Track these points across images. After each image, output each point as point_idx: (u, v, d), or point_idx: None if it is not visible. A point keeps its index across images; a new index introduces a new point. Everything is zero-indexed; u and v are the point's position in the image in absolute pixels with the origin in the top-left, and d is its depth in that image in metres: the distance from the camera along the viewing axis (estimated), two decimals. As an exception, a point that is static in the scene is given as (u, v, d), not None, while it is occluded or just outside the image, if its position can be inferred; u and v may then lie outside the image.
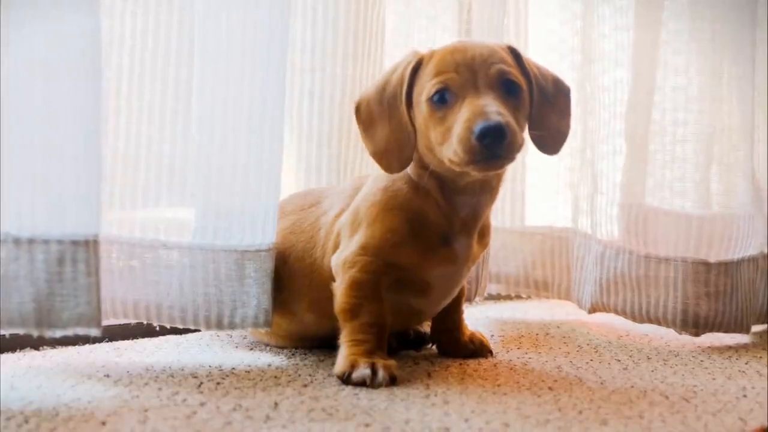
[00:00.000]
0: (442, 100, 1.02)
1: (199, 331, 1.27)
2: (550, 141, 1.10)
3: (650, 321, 1.38)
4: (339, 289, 1.08)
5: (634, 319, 1.40)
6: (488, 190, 1.09)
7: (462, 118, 0.98)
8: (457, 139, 0.98)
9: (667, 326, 1.37)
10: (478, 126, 0.96)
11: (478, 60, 1.02)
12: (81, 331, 0.96)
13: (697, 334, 1.36)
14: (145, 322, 1.13)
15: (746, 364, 1.21)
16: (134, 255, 1.11)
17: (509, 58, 1.06)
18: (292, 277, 1.15)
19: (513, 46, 1.09)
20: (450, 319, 1.21)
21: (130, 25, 1.12)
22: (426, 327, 1.27)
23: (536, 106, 1.08)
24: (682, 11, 1.41)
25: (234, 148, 1.11)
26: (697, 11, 1.41)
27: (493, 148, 0.96)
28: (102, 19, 1.09)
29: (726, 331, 1.37)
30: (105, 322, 1.22)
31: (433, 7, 1.49)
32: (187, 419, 0.87)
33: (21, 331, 0.95)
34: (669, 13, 1.42)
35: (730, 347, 1.34)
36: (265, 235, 1.12)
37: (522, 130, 1.03)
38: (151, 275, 1.11)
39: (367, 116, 1.09)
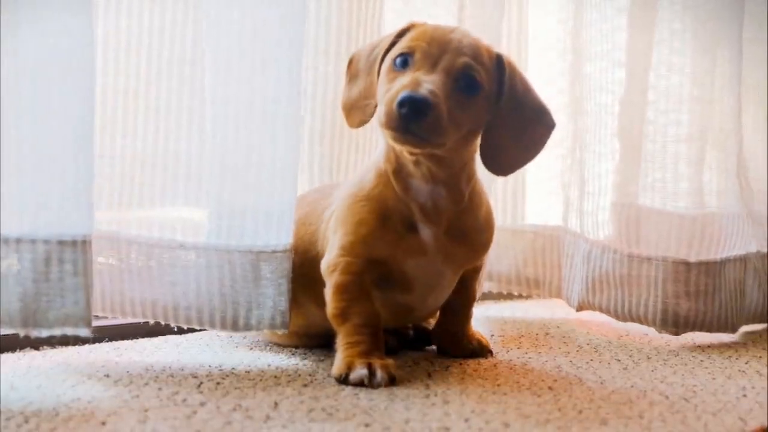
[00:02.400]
0: (404, 63, 1.03)
1: (200, 330, 1.27)
2: (504, 162, 1.09)
3: (632, 320, 1.39)
4: (327, 294, 1.08)
5: (617, 317, 1.40)
6: (441, 182, 1.07)
7: (398, 84, 1.00)
8: (385, 100, 0.99)
9: (648, 325, 1.38)
10: (402, 93, 0.97)
11: (452, 44, 1.03)
12: (69, 331, 0.96)
13: (677, 333, 1.37)
14: (162, 323, 1.13)
15: (746, 364, 1.22)
16: (152, 255, 1.11)
17: (487, 61, 1.05)
18: (300, 268, 1.15)
19: (503, 55, 1.08)
20: (454, 319, 1.20)
21: (148, 24, 1.12)
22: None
23: (500, 120, 1.06)
24: (675, 11, 1.41)
25: (248, 147, 1.11)
26: (690, 11, 1.40)
27: (408, 120, 0.96)
28: (120, 19, 1.11)
29: (709, 331, 1.37)
30: (108, 322, 1.23)
31: (434, 5, 1.49)
32: (187, 419, 0.87)
33: (7, 331, 0.96)
34: (662, 13, 1.42)
35: (730, 347, 1.34)
36: (280, 235, 1.12)
37: (459, 127, 1.02)
38: (168, 276, 1.11)
39: (354, 69, 1.12)
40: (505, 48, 1.51)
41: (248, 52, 1.10)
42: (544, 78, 1.57)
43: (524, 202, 1.60)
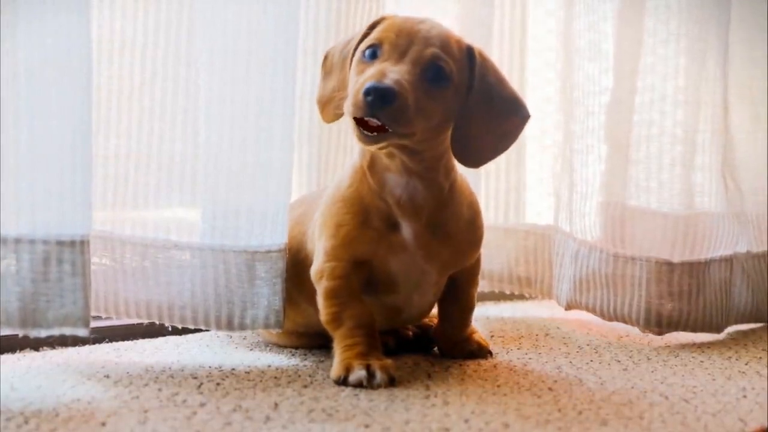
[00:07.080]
0: (372, 55, 1.03)
1: (200, 331, 1.27)
2: (474, 153, 1.08)
3: (617, 319, 1.39)
4: (319, 301, 1.09)
5: (603, 317, 1.41)
6: (417, 175, 1.06)
7: (366, 75, 1.00)
8: (352, 91, 0.99)
9: (632, 325, 1.38)
10: (368, 83, 0.97)
11: (420, 34, 1.03)
12: (68, 331, 0.96)
13: (660, 333, 1.37)
14: (157, 322, 1.13)
15: (746, 364, 1.22)
16: (147, 255, 1.11)
17: (456, 51, 1.04)
18: (293, 267, 1.15)
19: (474, 47, 1.07)
20: (453, 326, 1.20)
21: (142, 24, 1.12)
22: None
23: (471, 111, 1.05)
24: (664, 14, 1.41)
25: (243, 147, 1.11)
26: (677, 12, 1.40)
27: (374, 108, 0.96)
28: (115, 19, 1.11)
29: (693, 331, 1.37)
30: (108, 323, 1.23)
31: (435, 6, 1.49)
32: (187, 420, 0.87)
33: (6, 331, 0.96)
34: (651, 15, 1.42)
35: (730, 348, 1.33)
36: (275, 235, 1.12)
37: (428, 118, 1.01)
38: (163, 276, 1.11)
39: (329, 65, 1.12)
40: (502, 47, 1.51)
41: (243, 53, 1.10)
42: (543, 78, 1.57)
43: (519, 201, 1.60)
